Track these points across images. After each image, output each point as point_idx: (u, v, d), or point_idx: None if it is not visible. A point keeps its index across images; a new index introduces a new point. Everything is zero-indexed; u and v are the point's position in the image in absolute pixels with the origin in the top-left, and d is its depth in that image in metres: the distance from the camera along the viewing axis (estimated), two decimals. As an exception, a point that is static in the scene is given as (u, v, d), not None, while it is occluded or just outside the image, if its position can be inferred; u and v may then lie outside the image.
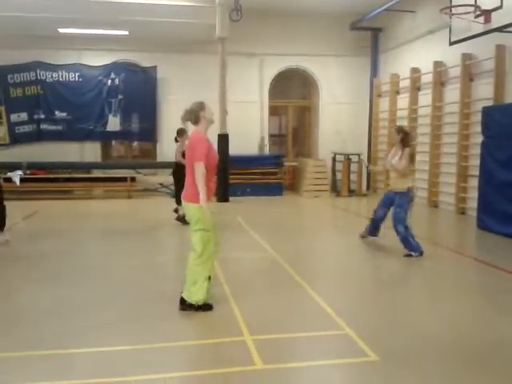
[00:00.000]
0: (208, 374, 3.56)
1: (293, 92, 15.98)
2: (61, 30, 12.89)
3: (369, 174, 14.86)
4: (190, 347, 4.07)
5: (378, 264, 6.89)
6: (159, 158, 14.56)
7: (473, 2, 8.66)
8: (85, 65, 14.14)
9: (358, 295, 5.47)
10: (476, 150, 9.84)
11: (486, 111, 9.14)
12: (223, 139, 12.43)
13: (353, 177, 14.27)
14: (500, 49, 9.52)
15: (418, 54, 12.69)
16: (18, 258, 6.87)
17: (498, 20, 8.35)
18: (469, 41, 9.29)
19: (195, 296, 4.69)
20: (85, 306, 4.96)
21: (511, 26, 8.16)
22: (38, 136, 14.09)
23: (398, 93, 13.88)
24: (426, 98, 12.27)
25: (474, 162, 10.06)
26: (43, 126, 14.10)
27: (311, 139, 15.97)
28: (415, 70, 12.74)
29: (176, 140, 9.41)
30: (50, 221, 10.03)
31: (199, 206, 4.54)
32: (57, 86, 14.05)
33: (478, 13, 8.63)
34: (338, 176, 14.52)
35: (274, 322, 4.51)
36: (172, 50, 14.05)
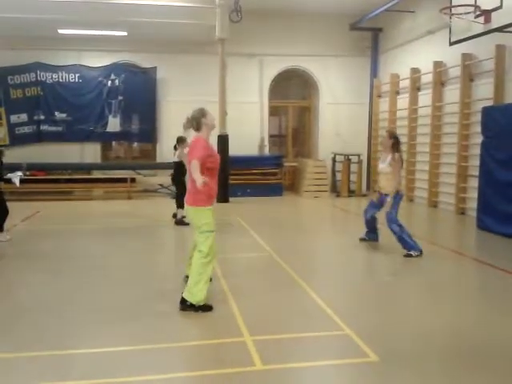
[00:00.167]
0: (208, 375, 3.56)
1: (293, 92, 15.98)
2: (61, 31, 12.90)
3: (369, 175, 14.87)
4: (189, 348, 4.07)
5: (378, 264, 6.90)
6: (159, 159, 14.56)
7: (473, 2, 8.66)
8: (85, 66, 14.15)
9: (357, 295, 5.47)
10: (476, 151, 9.84)
11: (486, 111, 9.14)
12: (223, 140, 12.43)
13: (353, 177, 14.26)
14: (500, 49, 9.52)
15: (418, 54, 12.69)
16: (18, 258, 6.87)
17: (497, 20, 8.34)
18: (469, 41, 9.29)
19: (196, 296, 4.71)
20: (85, 305, 4.96)
21: (511, 25, 8.15)
22: (38, 137, 14.10)
23: (397, 93, 13.88)
24: (425, 98, 12.27)
25: (474, 163, 10.06)
26: (43, 127, 14.11)
27: (311, 140, 15.97)
28: (415, 71, 12.74)
29: (175, 148, 9.46)
30: (50, 221, 10.04)
31: (202, 208, 4.69)
32: (57, 87, 14.05)
33: (478, 13, 8.63)
34: (338, 176, 14.53)
35: (274, 323, 4.51)
36: (172, 51, 14.06)
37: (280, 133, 16.34)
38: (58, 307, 4.94)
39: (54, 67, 13.98)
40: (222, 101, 12.58)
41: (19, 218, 9.64)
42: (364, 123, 15.20)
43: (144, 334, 4.23)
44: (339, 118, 15.13)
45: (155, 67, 14.31)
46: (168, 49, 14.00)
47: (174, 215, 9.71)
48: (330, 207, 12.61)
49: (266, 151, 15.10)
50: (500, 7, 8.21)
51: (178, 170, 9.34)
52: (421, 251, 6.89)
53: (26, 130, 14.04)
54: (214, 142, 10.86)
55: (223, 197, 12.36)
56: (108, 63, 14.21)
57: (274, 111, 15.66)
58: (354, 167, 14.27)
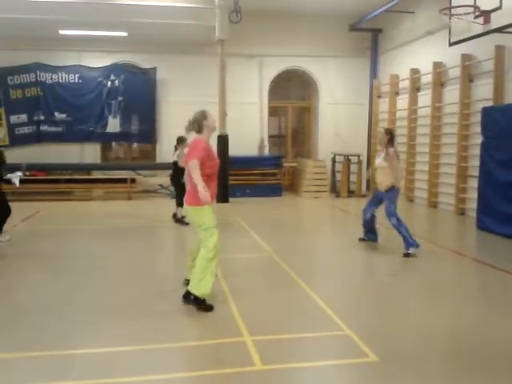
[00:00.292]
0: (207, 375, 3.56)
1: (292, 93, 15.99)
2: (61, 32, 12.90)
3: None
4: (189, 348, 4.07)
5: (377, 264, 6.90)
6: (159, 160, 14.56)
7: (472, 3, 8.67)
8: (85, 66, 14.15)
9: (357, 295, 5.47)
10: (476, 151, 9.85)
11: (486, 112, 9.15)
12: (223, 140, 12.44)
13: (352, 178, 14.26)
14: (499, 49, 9.53)
15: (418, 55, 12.70)
16: (18, 258, 6.87)
17: (497, 21, 8.35)
18: (468, 41, 9.30)
19: (203, 289, 4.75)
20: (84, 306, 4.96)
21: (511, 26, 8.16)
22: (38, 137, 14.09)
23: (397, 93, 13.89)
24: (425, 98, 12.27)
25: (474, 163, 10.07)
26: (43, 128, 14.11)
27: (311, 140, 15.97)
28: (415, 71, 12.75)
29: (175, 148, 9.47)
30: (50, 222, 10.04)
31: (201, 208, 4.72)
32: (57, 88, 14.05)
33: (478, 13, 8.64)
34: (338, 177, 14.53)
35: (274, 323, 4.51)
36: (172, 52, 14.06)
37: (280, 133, 16.34)
38: (58, 307, 4.94)
39: (53, 68, 13.98)
40: (221, 101, 12.59)
41: (19, 218, 9.64)
42: (364, 124, 15.20)
43: (144, 335, 4.23)
44: (339, 119, 15.14)
45: (155, 68, 14.31)
46: (168, 49, 14.01)
47: (174, 215, 9.73)
48: (329, 208, 12.62)
49: (266, 152, 15.10)
50: (499, 8, 8.22)
51: (177, 171, 9.34)
52: (418, 245, 6.98)
53: (26, 130, 14.04)
54: (213, 142, 10.85)
55: (223, 197, 12.35)
56: (108, 64, 14.21)
57: (273, 112, 15.66)
58: (353, 167, 14.27)
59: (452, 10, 9.28)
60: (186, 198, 4.94)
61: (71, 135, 14.15)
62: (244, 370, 3.59)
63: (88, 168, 14.39)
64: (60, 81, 14.06)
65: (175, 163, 9.40)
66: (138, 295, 5.29)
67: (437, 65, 11.67)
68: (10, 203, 8.02)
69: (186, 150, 7.43)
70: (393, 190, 7.12)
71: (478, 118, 9.75)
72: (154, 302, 5.08)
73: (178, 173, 9.35)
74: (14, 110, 13.90)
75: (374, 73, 15.07)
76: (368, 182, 14.87)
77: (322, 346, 4.08)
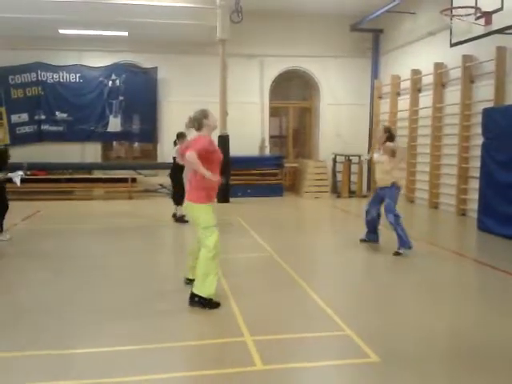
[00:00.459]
0: (208, 375, 3.56)
1: (293, 93, 15.99)
2: (61, 31, 12.90)
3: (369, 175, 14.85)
4: (189, 347, 4.07)
5: (378, 265, 6.89)
6: (160, 159, 14.57)
7: (473, 4, 8.66)
8: (85, 66, 14.16)
9: (358, 296, 5.47)
10: (476, 152, 9.84)
11: (487, 113, 9.15)
12: (224, 140, 12.43)
13: (353, 178, 14.26)
14: (501, 50, 9.52)
15: (419, 56, 12.69)
16: (18, 258, 6.88)
17: (498, 22, 8.35)
18: (469, 42, 9.30)
19: (208, 289, 4.77)
20: (85, 305, 4.96)
21: (512, 27, 8.17)
22: (39, 137, 14.10)
23: (398, 94, 13.89)
24: (426, 99, 12.27)
25: (475, 164, 10.06)
26: (44, 127, 14.12)
27: (312, 140, 15.98)
28: (416, 72, 12.74)
29: (175, 144, 9.47)
30: (51, 221, 10.04)
31: (203, 205, 4.78)
32: (57, 87, 14.06)
33: (479, 14, 8.64)
34: (339, 177, 14.53)
35: (274, 323, 4.51)
36: (173, 52, 14.06)
37: (281, 133, 16.34)
38: (58, 307, 4.94)
39: (54, 67, 13.99)
40: (222, 101, 12.60)
41: (20, 217, 9.65)
42: (365, 124, 15.20)
43: (144, 334, 4.23)
44: (340, 119, 15.14)
45: (156, 67, 14.32)
46: (169, 49, 14.01)
47: (174, 215, 9.73)
48: (330, 208, 12.62)
49: (267, 152, 15.11)
50: (501, 9, 8.22)
51: (177, 168, 9.33)
52: (410, 247, 7.02)
53: (27, 129, 14.05)
54: (215, 142, 10.84)
55: (224, 197, 12.36)
56: (109, 63, 14.22)
57: (274, 112, 15.67)
58: (354, 168, 14.27)
59: (453, 10, 9.27)
60: (186, 195, 4.97)
61: (72, 135, 14.16)
62: (244, 369, 3.59)
63: (89, 167, 14.40)
64: (61, 80, 14.07)
65: (175, 159, 9.41)
66: (138, 295, 5.29)
67: (438, 66, 11.67)
68: (10, 202, 8.03)
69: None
70: (393, 188, 7.15)
71: (478, 119, 9.75)
72: (155, 301, 5.08)
73: (177, 170, 9.34)
74: (14, 110, 13.90)
75: (375, 73, 15.06)
76: (369, 181, 14.91)
77: (322, 346, 4.08)
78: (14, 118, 13.94)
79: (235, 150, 12.94)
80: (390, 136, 7.25)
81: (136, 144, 15.41)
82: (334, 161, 14.71)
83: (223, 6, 12.01)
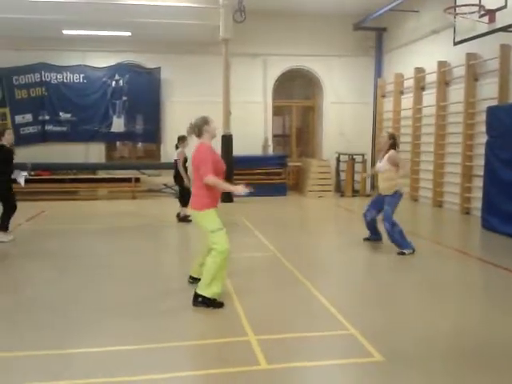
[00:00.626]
0: (212, 374, 3.57)
1: (296, 92, 15.98)
2: (65, 32, 12.93)
3: (372, 175, 14.83)
4: (194, 347, 4.08)
5: (382, 263, 6.88)
6: (163, 159, 14.58)
7: (477, 2, 8.64)
8: (89, 66, 14.18)
9: (362, 295, 5.47)
10: (480, 150, 9.81)
11: (491, 111, 9.12)
12: (227, 140, 12.44)
13: (357, 177, 14.24)
14: (504, 48, 9.50)
15: (423, 54, 12.66)
16: (23, 257, 6.90)
17: (502, 20, 8.33)
18: (473, 40, 9.27)
19: (214, 289, 4.80)
20: (89, 304, 4.98)
21: (516, 25, 8.14)
22: (43, 137, 14.14)
23: (402, 93, 13.85)
24: (430, 97, 12.24)
25: (479, 162, 10.04)
26: (48, 127, 14.15)
27: (315, 139, 15.96)
28: (419, 70, 12.72)
29: (176, 147, 9.52)
30: (55, 221, 10.08)
31: (207, 212, 4.85)
32: (61, 88, 14.09)
33: (483, 12, 8.61)
34: (342, 176, 14.51)
35: (278, 322, 4.51)
36: (176, 52, 14.07)
37: (284, 132, 16.33)
38: (63, 306, 4.96)
39: (58, 68, 14.02)
40: (225, 101, 12.60)
41: (24, 217, 9.68)
42: (368, 123, 15.17)
43: (148, 333, 4.24)
44: (343, 118, 15.12)
45: (159, 68, 14.33)
46: (172, 49, 14.02)
47: (178, 214, 9.76)
48: (334, 207, 12.61)
49: (270, 151, 15.10)
50: (504, 7, 8.20)
51: (179, 176, 9.47)
52: (413, 250, 6.99)
53: (31, 130, 14.09)
54: (217, 142, 10.90)
55: (227, 197, 12.35)
56: (112, 63, 14.24)
57: (277, 111, 15.66)
58: (358, 167, 14.25)
59: (457, 8, 9.25)
60: (191, 202, 5.01)
61: (76, 135, 14.19)
62: (249, 369, 3.60)
63: (93, 167, 14.42)
64: (65, 81, 14.10)
65: (176, 162, 9.49)
66: (142, 294, 5.30)
67: (441, 64, 11.64)
68: (17, 202, 8.05)
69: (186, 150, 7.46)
70: (395, 195, 7.09)
71: (482, 117, 9.73)
72: (159, 300, 5.09)
73: (179, 173, 9.42)
74: (18, 110, 13.94)
75: (378, 72, 15.04)
76: (372, 180, 14.87)
77: (326, 345, 4.08)
78: (18, 118, 13.98)
79: (238, 150, 12.95)
80: (394, 143, 7.21)
81: (139, 144, 15.42)
82: (338, 160, 14.70)
83: (226, 5, 12.02)
